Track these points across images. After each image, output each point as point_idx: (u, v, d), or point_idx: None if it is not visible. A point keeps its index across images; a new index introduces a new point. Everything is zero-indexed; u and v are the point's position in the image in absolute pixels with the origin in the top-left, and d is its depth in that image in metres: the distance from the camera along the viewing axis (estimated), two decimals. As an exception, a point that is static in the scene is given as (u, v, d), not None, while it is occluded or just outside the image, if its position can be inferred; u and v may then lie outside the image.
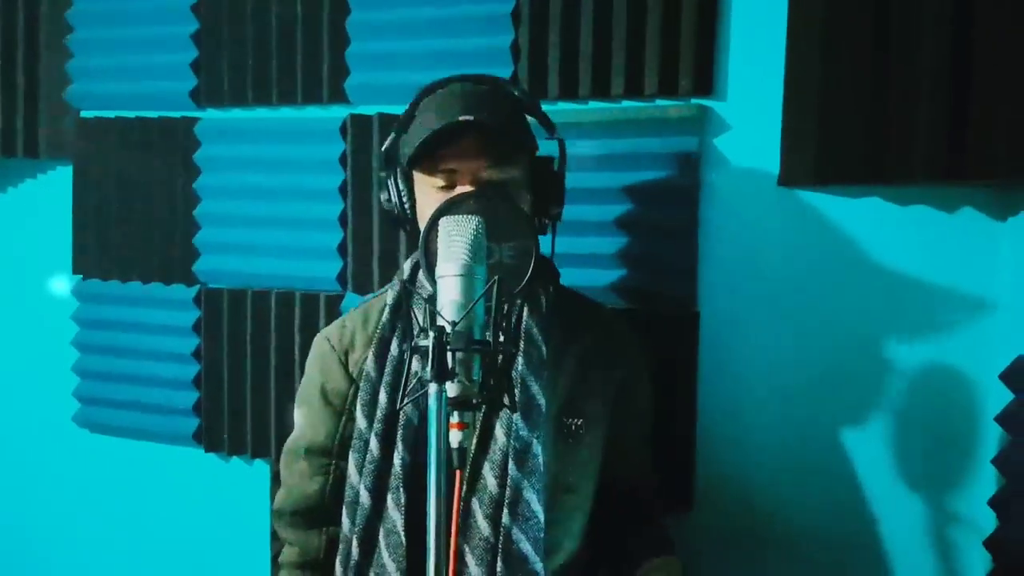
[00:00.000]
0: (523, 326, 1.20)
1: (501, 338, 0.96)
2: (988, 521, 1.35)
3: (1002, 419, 1.33)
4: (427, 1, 1.66)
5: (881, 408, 1.45)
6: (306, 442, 1.30)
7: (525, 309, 1.21)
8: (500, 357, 0.96)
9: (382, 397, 1.20)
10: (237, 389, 1.88)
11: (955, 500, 1.41)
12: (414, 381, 0.93)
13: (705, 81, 1.51)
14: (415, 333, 0.94)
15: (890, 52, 1.37)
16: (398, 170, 1.24)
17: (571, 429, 1.24)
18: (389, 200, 1.25)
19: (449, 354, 0.88)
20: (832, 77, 1.40)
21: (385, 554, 1.17)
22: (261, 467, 1.92)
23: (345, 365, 1.28)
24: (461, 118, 1.11)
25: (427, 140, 1.13)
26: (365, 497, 1.18)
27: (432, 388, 0.87)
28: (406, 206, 1.23)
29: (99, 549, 2.11)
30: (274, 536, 1.40)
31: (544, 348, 1.20)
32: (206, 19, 1.87)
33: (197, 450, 1.94)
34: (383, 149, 1.27)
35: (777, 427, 1.52)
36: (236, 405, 1.89)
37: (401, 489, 1.16)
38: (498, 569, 1.15)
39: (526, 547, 1.15)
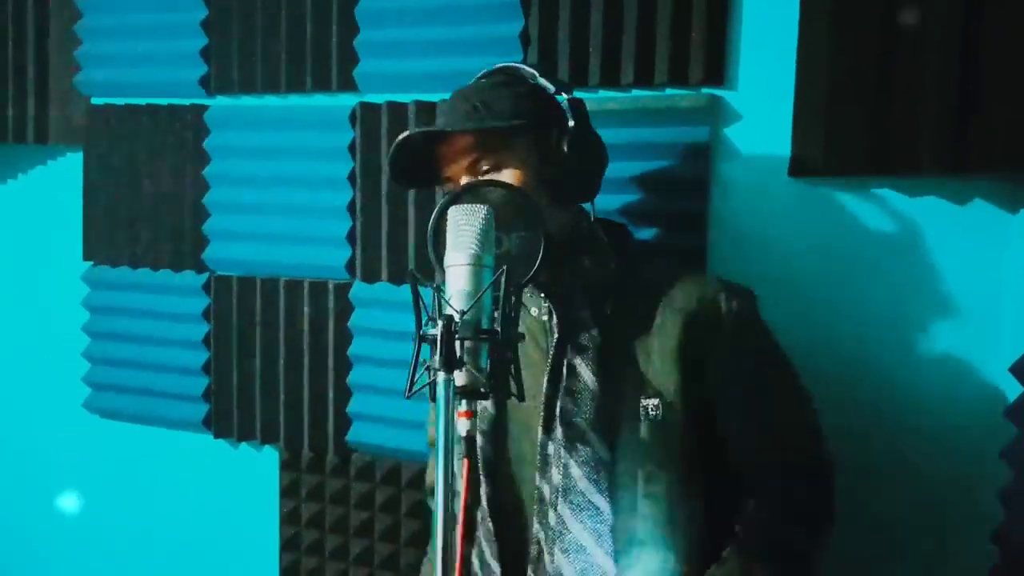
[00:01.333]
0: (573, 309, 1.17)
1: (510, 328, 0.95)
2: (996, 514, 1.35)
3: (1011, 412, 1.32)
4: (437, -11, 1.66)
5: (890, 399, 1.45)
6: (428, 433, 1.42)
7: (576, 292, 1.18)
8: (509, 346, 0.96)
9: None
10: (246, 376, 1.89)
11: (963, 493, 1.41)
12: (422, 370, 0.93)
13: (716, 70, 1.50)
14: (423, 322, 0.94)
15: (900, 43, 1.36)
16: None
17: (648, 412, 1.14)
18: None
19: (457, 343, 0.89)
20: (843, 68, 1.40)
21: (482, 539, 1.22)
22: (270, 453, 1.93)
23: None
24: (400, 137, 1.14)
25: (392, 170, 1.18)
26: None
27: (440, 377, 0.87)
28: None
29: (109, 534, 2.13)
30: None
31: (596, 330, 1.16)
32: (216, 6, 1.86)
33: (206, 436, 1.96)
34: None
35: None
36: (245, 392, 1.90)
37: (483, 478, 1.20)
38: (556, 557, 1.14)
39: (586, 538, 1.12)
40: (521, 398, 1.09)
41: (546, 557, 1.16)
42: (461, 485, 0.93)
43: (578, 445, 1.14)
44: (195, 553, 2.03)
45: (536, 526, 1.18)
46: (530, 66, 1.24)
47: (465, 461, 0.90)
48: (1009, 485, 1.33)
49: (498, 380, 0.93)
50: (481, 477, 1.19)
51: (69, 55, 2.02)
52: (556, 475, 1.15)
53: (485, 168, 1.15)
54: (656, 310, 1.18)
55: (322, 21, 1.77)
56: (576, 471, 1.13)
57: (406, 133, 1.14)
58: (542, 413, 1.17)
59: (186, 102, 1.92)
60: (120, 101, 1.99)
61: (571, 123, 1.18)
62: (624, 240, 1.29)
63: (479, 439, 1.21)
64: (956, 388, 1.41)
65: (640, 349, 1.17)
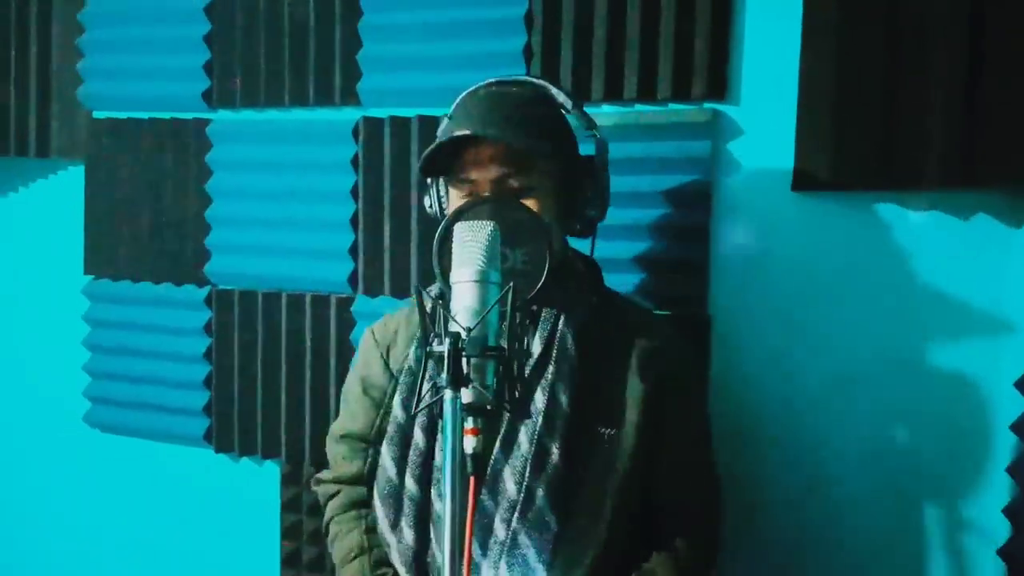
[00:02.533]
0: (558, 334, 1.18)
1: (516, 345, 0.95)
2: (1002, 530, 1.35)
3: (1017, 427, 1.32)
4: (440, 4, 1.66)
5: (894, 414, 1.45)
6: (343, 429, 1.35)
7: (561, 316, 1.19)
8: (515, 363, 0.95)
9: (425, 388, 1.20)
10: (248, 390, 1.89)
11: (969, 508, 1.40)
12: (428, 386, 0.93)
13: (719, 85, 1.50)
14: (429, 339, 0.94)
15: (903, 57, 1.36)
16: (439, 178, 1.25)
17: (604, 440, 1.19)
18: (431, 207, 1.27)
19: (464, 360, 0.88)
20: (846, 82, 1.40)
21: (435, 543, 1.20)
22: (271, 468, 1.92)
23: (386, 360, 1.32)
24: (457, 133, 1.12)
25: (429, 155, 1.15)
26: (413, 487, 1.20)
27: (447, 395, 0.87)
28: (446, 211, 1.24)
29: (109, 549, 2.12)
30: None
31: (577, 356, 1.18)
32: (218, 20, 1.87)
33: (207, 450, 1.95)
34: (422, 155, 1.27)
35: (788, 431, 1.51)
36: (246, 406, 1.89)
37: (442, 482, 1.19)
38: (500, 571, 1.14)
39: (531, 554, 1.14)
40: (526, 415, 1.09)
41: (484, 572, 1.16)
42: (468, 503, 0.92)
43: (545, 464, 1.15)
44: (196, 569, 2.02)
45: (478, 540, 1.16)
46: (563, 91, 1.25)
47: (472, 478, 0.89)
48: (1015, 500, 1.33)
49: (508, 397, 0.92)
50: (441, 482, 1.17)
51: (71, 69, 2.02)
52: (512, 490, 1.15)
53: (515, 185, 1.15)
54: (631, 352, 1.22)
55: (325, 35, 1.77)
56: (540, 490, 1.14)
57: (464, 132, 1.12)
58: (503, 430, 1.17)
59: (188, 116, 1.92)
60: (122, 115, 1.99)
61: (596, 160, 1.23)
62: (598, 276, 1.32)
63: (439, 440, 1.19)
64: (961, 402, 1.40)
65: (609, 383, 1.21)
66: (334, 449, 1.37)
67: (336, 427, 1.38)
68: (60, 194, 2.12)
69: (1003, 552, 1.33)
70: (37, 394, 2.18)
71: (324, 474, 1.40)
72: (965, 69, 1.32)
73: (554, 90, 1.26)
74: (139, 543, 2.08)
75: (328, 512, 1.37)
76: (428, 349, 0.91)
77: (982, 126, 1.31)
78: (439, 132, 1.24)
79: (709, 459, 1.33)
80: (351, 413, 1.35)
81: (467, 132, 1.11)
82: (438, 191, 1.26)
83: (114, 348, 2.02)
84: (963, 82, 1.32)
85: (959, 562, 1.41)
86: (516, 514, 1.14)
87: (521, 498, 1.14)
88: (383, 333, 1.34)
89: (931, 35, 1.34)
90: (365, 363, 1.35)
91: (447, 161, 1.18)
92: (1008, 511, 1.33)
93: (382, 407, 1.30)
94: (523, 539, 1.14)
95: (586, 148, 1.27)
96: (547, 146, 1.18)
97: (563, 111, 1.25)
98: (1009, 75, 1.30)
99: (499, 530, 1.15)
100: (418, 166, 1.19)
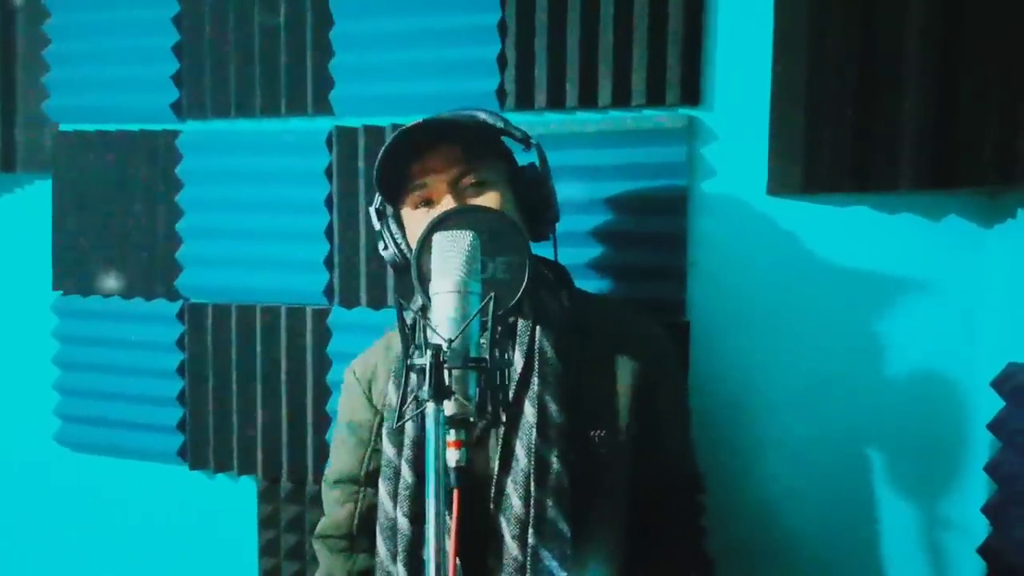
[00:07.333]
0: (536, 344, 1.18)
1: (498, 354, 0.94)
2: (981, 528, 1.36)
3: (994, 426, 1.33)
4: (412, 12, 1.65)
5: (873, 416, 1.46)
6: (336, 473, 1.33)
7: (537, 327, 1.19)
8: (497, 373, 0.95)
9: (408, 425, 1.19)
10: (222, 405, 1.86)
11: (948, 507, 1.42)
12: (410, 399, 0.92)
13: (692, 91, 1.51)
14: (410, 351, 0.92)
15: (876, 61, 1.38)
16: (388, 219, 1.25)
17: (595, 443, 1.20)
18: (385, 248, 1.26)
19: (445, 372, 0.87)
20: (818, 86, 1.41)
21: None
22: (247, 484, 1.89)
23: (369, 396, 1.31)
24: (410, 124, 1.12)
25: (385, 154, 1.13)
26: (404, 524, 1.18)
27: (430, 407, 0.85)
28: (405, 250, 1.24)
29: (84, 571, 2.07)
30: (313, 558, 1.42)
31: (559, 364, 1.18)
32: (187, 30, 1.84)
33: (182, 467, 1.91)
34: (372, 208, 1.28)
35: (767, 435, 1.52)
36: (221, 421, 1.86)
37: (406, 518, 1.17)
38: None
39: (553, 565, 1.14)
40: (517, 428, 1.09)
41: None
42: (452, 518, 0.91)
43: (548, 476, 1.14)
44: (171, 588, 1.98)
45: (491, 560, 1.16)
46: (489, 114, 1.25)
47: (456, 492, 0.88)
48: (993, 499, 1.34)
49: (491, 408, 0.92)
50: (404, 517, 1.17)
51: (37, 81, 1.98)
52: (518, 507, 1.14)
53: (470, 183, 1.16)
54: (612, 350, 1.24)
55: (297, 44, 1.76)
56: (549, 502, 1.14)
57: (419, 120, 1.12)
58: (499, 447, 1.17)
59: (158, 127, 1.89)
60: (90, 127, 1.95)
61: (537, 163, 1.25)
62: (566, 277, 1.32)
63: (409, 474, 1.18)
64: (938, 403, 1.42)
65: (593, 384, 1.22)
66: (328, 494, 1.35)
67: (328, 472, 1.36)
68: (27, 209, 2.07)
69: (983, 550, 1.34)
70: (6, 414, 2.13)
71: (319, 526, 1.36)
72: (936, 72, 1.33)
73: (482, 115, 1.25)
74: (114, 564, 2.03)
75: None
76: (409, 362, 0.90)
77: (953, 128, 1.33)
78: (379, 159, 1.18)
79: (691, 438, 1.35)
80: (340, 455, 1.33)
81: (419, 120, 1.12)
82: (390, 230, 1.25)
83: (85, 365, 1.98)
84: (934, 85, 1.34)
85: (939, 561, 1.43)
86: (530, 531, 1.13)
87: (532, 514, 1.14)
88: (363, 369, 1.33)
89: (902, 39, 1.35)
90: (348, 401, 1.34)
91: (398, 180, 1.18)
92: (987, 509, 1.35)
93: (369, 444, 1.29)
94: (544, 554, 1.13)
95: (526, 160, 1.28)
96: (499, 141, 1.21)
97: (492, 129, 1.25)
98: (980, 77, 1.32)
99: (512, 548, 1.14)
100: (374, 173, 1.17)
